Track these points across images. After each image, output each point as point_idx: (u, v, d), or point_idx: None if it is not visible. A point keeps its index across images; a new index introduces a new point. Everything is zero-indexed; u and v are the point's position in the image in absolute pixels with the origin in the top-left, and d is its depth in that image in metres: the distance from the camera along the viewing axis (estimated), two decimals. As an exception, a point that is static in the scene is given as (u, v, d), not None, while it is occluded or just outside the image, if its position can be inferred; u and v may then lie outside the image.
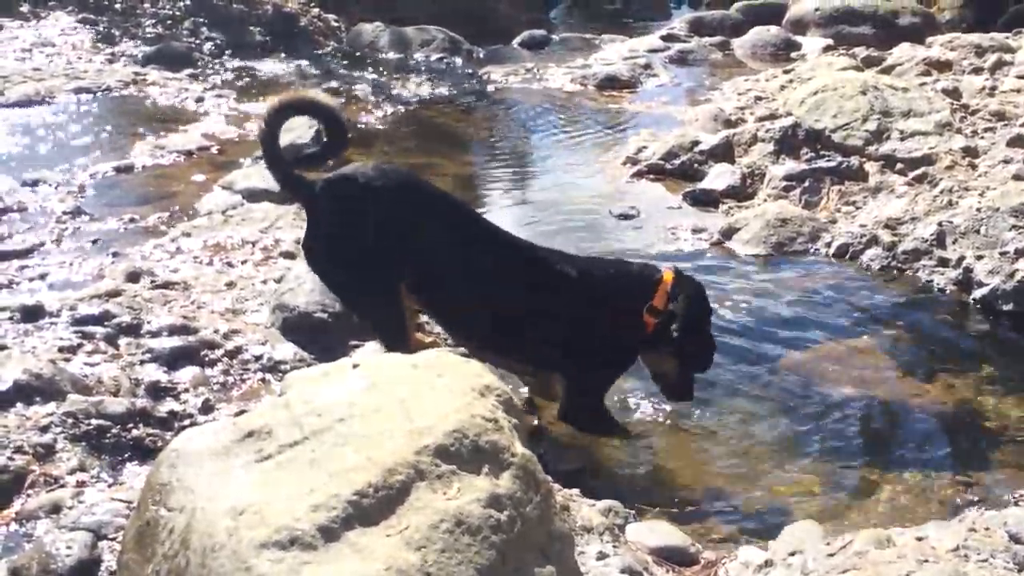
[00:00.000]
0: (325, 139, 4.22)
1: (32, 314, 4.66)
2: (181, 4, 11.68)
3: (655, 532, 3.49)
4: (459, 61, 11.30)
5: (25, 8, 11.14)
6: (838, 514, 3.82)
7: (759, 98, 8.64)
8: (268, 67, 10.33)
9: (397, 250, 3.99)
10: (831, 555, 3.15)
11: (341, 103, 9.05)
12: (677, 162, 7.54)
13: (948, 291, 5.70)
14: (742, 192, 7.06)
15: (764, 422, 4.45)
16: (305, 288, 4.90)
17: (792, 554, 3.27)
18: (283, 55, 10.73)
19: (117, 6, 11.58)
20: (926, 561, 2.99)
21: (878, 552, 3.06)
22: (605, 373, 4.28)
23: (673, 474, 4.12)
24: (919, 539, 3.19)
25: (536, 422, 4.27)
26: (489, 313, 4.08)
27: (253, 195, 6.49)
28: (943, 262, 5.85)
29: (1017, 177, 6.36)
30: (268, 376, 4.50)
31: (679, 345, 4.14)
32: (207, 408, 4.18)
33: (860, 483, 4.04)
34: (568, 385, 4.20)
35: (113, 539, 3.21)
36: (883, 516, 3.80)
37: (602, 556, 3.16)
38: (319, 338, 4.74)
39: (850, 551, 3.13)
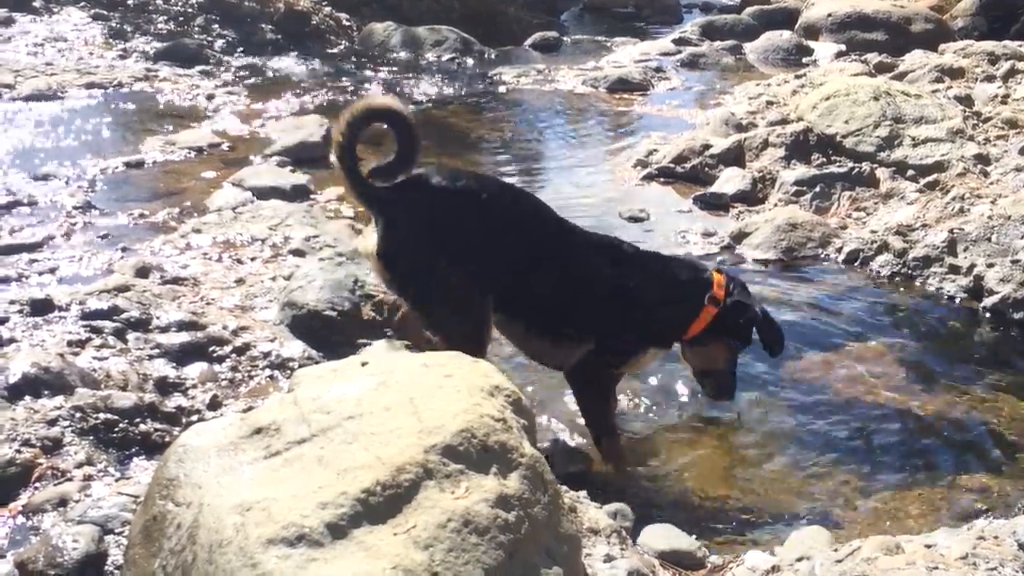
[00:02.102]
0: (398, 150, 3.96)
1: (41, 308, 4.66)
2: (193, 1, 11.73)
3: (662, 535, 3.47)
4: (470, 62, 11.32)
5: (38, 3, 11.17)
6: (846, 520, 3.81)
7: (770, 103, 8.63)
8: (279, 65, 10.35)
9: (483, 256, 3.91)
10: (839, 561, 3.13)
11: (353, 102, 9.07)
12: (688, 166, 7.53)
13: (958, 299, 5.68)
14: (752, 197, 7.05)
15: (772, 427, 4.44)
16: (314, 286, 4.90)
17: (799, 559, 3.26)
18: (294, 54, 10.75)
19: (129, 2, 11.62)
20: (935, 568, 2.97)
21: (887, 559, 3.04)
22: (637, 344, 4.23)
23: (680, 478, 4.11)
24: (928, 546, 3.18)
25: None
26: (556, 280, 4.05)
27: (263, 193, 6.50)
28: (954, 269, 5.83)
29: (1029, 185, 6.35)
30: (276, 373, 4.50)
31: (733, 341, 4.21)
32: (215, 404, 4.18)
33: (869, 489, 4.02)
34: (596, 348, 4.12)
35: (120, 533, 3.20)
36: (891, 523, 3.78)
37: (609, 559, 3.15)
38: (328, 336, 4.73)
39: (858, 557, 3.11)
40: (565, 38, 12.81)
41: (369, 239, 3.97)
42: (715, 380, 4.33)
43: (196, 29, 11.13)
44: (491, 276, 3.96)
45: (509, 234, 3.98)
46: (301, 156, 7.30)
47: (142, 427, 3.88)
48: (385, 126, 3.98)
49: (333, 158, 3.97)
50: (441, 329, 4.03)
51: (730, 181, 7.18)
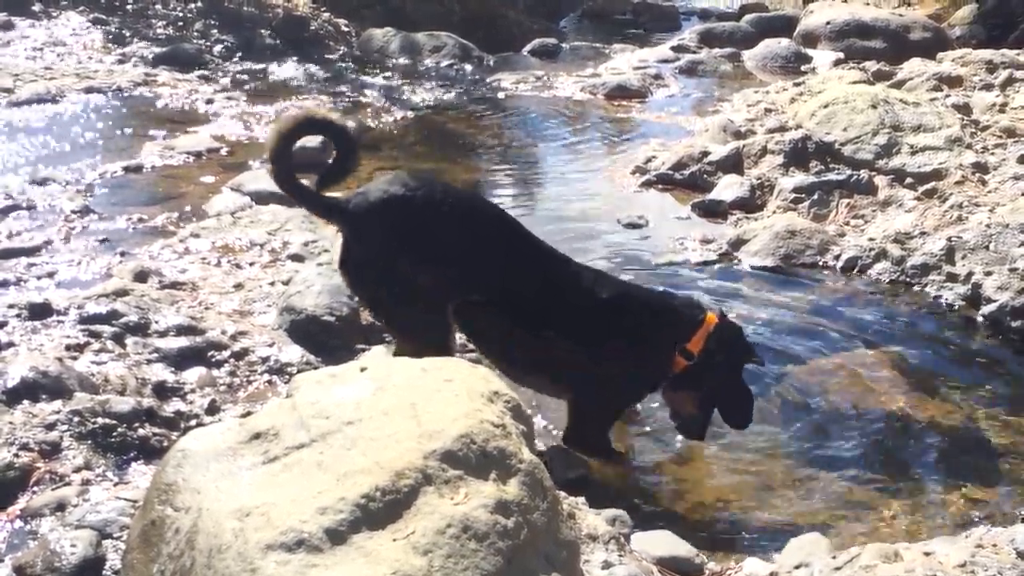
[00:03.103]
0: (336, 156, 3.99)
1: (40, 312, 4.66)
2: (192, 6, 11.74)
3: (660, 542, 3.47)
4: (469, 68, 11.33)
5: (37, 7, 11.19)
6: (844, 528, 3.80)
7: (769, 110, 8.64)
8: (278, 70, 10.35)
9: (444, 266, 3.86)
10: (837, 568, 3.14)
11: (351, 107, 9.09)
12: (686, 172, 7.54)
13: (956, 306, 5.68)
14: (751, 204, 7.06)
15: (770, 435, 4.43)
16: (313, 291, 4.90)
17: (798, 567, 3.26)
18: (293, 59, 10.76)
19: (128, 7, 11.63)
20: (934, 576, 2.97)
21: (885, 566, 3.05)
22: (621, 402, 4.23)
23: (679, 485, 4.10)
24: (927, 554, 3.18)
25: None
26: (525, 329, 3.96)
27: (262, 197, 6.50)
28: (952, 277, 5.83)
29: (1027, 193, 6.36)
30: (275, 378, 4.50)
31: (707, 393, 4.11)
32: (213, 409, 4.18)
33: (866, 497, 4.02)
34: (578, 410, 4.11)
35: (118, 538, 3.20)
36: (890, 531, 3.78)
37: (607, 565, 3.15)
38: (326, 341, 4.74)
39: (857, 565, 3.11)
40: (564, 44, 12.82)
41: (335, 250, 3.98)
42: (686, 422, 4.26)
43: (195, 34, 11.14)
44: (460, 293, 3.93)
45: (473, 243, 3.90)
46: (300, 161, 7.26)
47: (140, 431, 3.88)
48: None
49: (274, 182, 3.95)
50: (405, 339, 4.04)
51: (729, 188, 7.19)
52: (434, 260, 3.84)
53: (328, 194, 4.00)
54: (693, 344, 4.02)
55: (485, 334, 4.08)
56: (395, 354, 4.12)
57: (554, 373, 4.09)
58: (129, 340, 4.56)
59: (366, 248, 3.87)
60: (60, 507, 3.39)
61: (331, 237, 5.75)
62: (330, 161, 4.02)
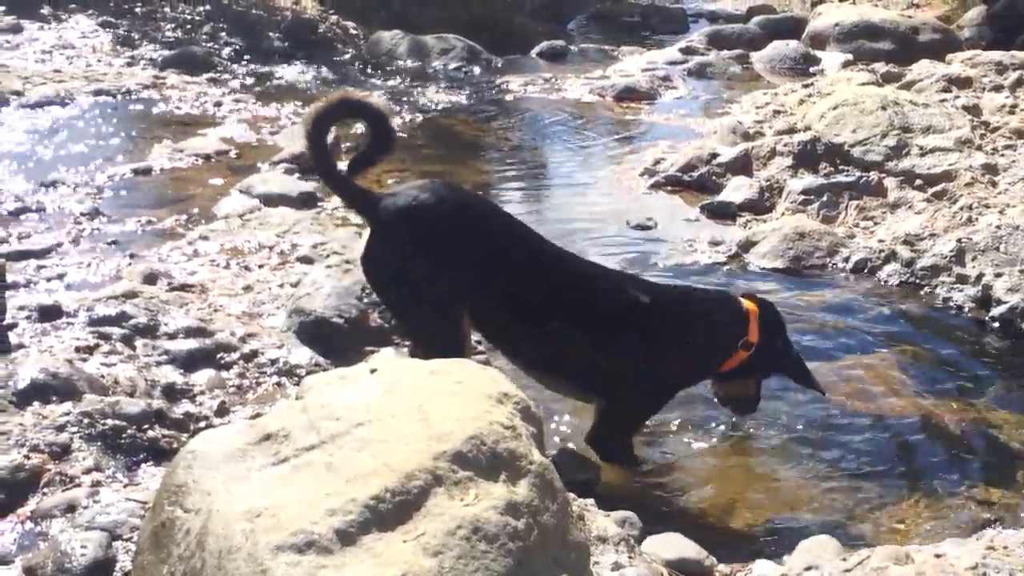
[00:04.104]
0: (371, 140, 4.00)
1: (49, 314, 4.67)
2: (200, 9, 11.77)
3: (670, 544, 3.46)
4: (477, 70, 11.33)
5: (46, 11, 11.22)
6: (854, 530, 3.80)
7: (778, 112, 8.63)
8: (286, 73, 10.36)
9: (464, 273, 3.86)
10: (848, 571, 3.13)
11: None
12: (695, 174, 7.53)
13: (966, 308, 5.66)
14: (760, 205, 7.04)
15: (780, 436, 4.42)
16: (322, 293, 4.90)
17: (808, 569, 3.25)
18: (301, 61, 10.77)
19: (137, 10, 11.66)
20: (945, 579, 2.96)
21: (896, 569, 3.04)
22: (657, 406, 4.22)
23: (689, 487, 4.10)
24: (938, 556, 3.17)
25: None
26: (558, 339, 3.95)
27: (270, 199, 6.51)
28: (962, 279, 5.82)
29: (1037, 195, 6.34)
30: (284, 380, 4.51)
31: (766, 373, 4.19)
32: (222, 411, 4.18)
33: (876, 499, 4.01)
34: (612, 414, 4.10)
35: (128, 539, 3.20)
36: (900, 533, 3.77)
37: (617, 567, 3.15)
38: (335, 343, 4.74)
39: (867, 567, 3.11)
40: (572, 47, 12.81)
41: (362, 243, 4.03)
42: (742, 403, 4.32)
43: (204, 37, 11.16)
44: (477, 300, 3.93)
45: (498, 256, 3.92)
46: (308, 164, 7.28)
47: (150, 433, 3.89)
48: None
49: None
50: (420, 341, 4.06)
51: (737, 190, 7.18)
52: (453, 269, 3.85)
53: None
54: (752, 335, 4.04)
55: (519, 343, 4.06)
56: (410, 355, 4.15)
57: (593, 379, 4.07)
58: (138, 342, 4.57)
59: (389, 249, 3.89)
60: (70, 508, 3.40)
61: (340, 239, 5.77)
62: (364, 145, 4.03)
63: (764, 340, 4.07)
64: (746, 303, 4.12)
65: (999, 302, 5.55)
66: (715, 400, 4.41)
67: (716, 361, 4.10)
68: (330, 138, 4.07)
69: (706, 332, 4.07)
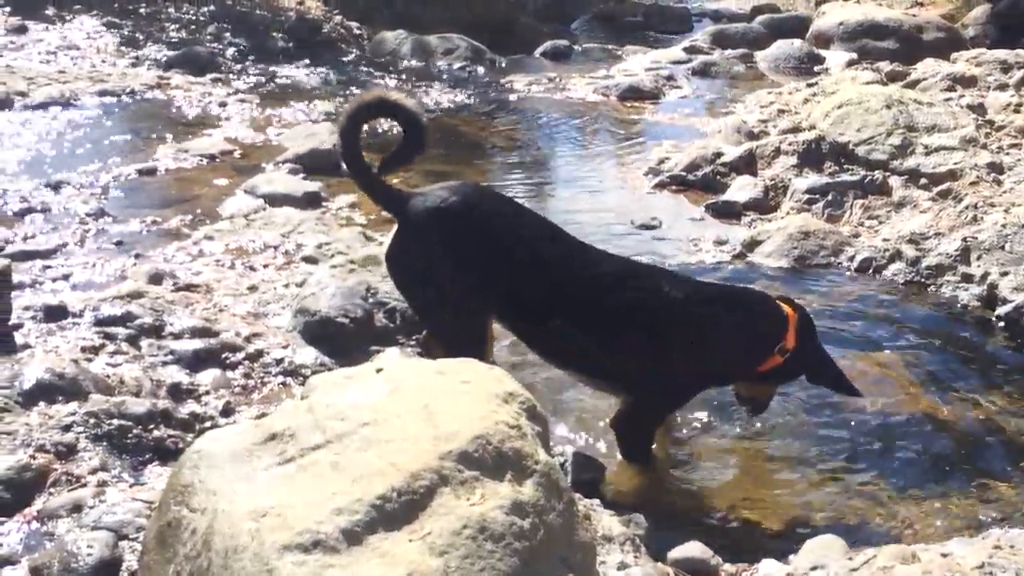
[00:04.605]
0: (404, 140, 4.04)
1: (55, 314, 4.68)
2: (205, 9, 11.78)
3: (676, 543, 3.46)
4: (481, 70, 11.32)
5: (51, 11, 11.23)
6: (861, 529, 3.79)
7: (782, 111, 8.62)
8: (291, 73, 10.37)
9: (490, 276, 3.89)
10: (854, 570, 3.13)
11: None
12: (699, 174, 7.52)
13: (971, 307, 5.66)
14: (765, 205, 7.04)
15: (785, 435, 4.42)
16: (327, 293, 4.91)
17: (814, 568, 3.25)
18: (306, 62, 10.77)
19: (141, 10, 11.67)
20: (951, 578, 2.96)
21: (903, 568, 3.04)
22: (680, 404, 4.23)
23: (694, 486, 4.09)
24: (944, 555, 3.16)
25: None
26: (595, 339, 3.94)
27: (275, 200, 6.52)
28: (967, 278, 5.81)
29: (1042, 194, 6.33)
30: (289, 380, 4.51)
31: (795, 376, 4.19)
32: (228, 411, 4.19)
33: (883, 498, 4.00)
34: (640, 408, 4.09)
35: (134, 539, 3.21)
36: (906, 532, 3.77)
37: (623, 566, 3.15)
38: (340, 342, 4.74)
39: (873, 566, 3.11)
40: (576, 46, 12.79)
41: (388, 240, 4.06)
42: (756, 404, 4.32)
43: (208, 37, 11.17)
44: (502, 300, 3.96)
45: (525, 256, 3.94)
46: (313, 164, 7.30)
47: (156, 433, 3.89)
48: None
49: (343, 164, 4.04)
50: (443, 337, 4.09)
51: (742, 189, 7.17)
52: (479, 272, 3.88)
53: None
54: (789, 340, 4.03)
55: (555, 343, 4.06)
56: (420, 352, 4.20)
57: (630, 377, 4.05)
58: (144, 342, 4.58)
59: (415, 248, 3.93)
60: (76, 508, 3.40)
61: (345, 239, 5.77)
62: (397, 145, 4.07)
63: (800, 347, 4.06)
64: (785, 307, 4.09)
65: (1004, 301, 5.54)
66: (733, 397, 4.41)
67: (754, 363, 4.08)
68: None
69: (749, 335, 4.06)
